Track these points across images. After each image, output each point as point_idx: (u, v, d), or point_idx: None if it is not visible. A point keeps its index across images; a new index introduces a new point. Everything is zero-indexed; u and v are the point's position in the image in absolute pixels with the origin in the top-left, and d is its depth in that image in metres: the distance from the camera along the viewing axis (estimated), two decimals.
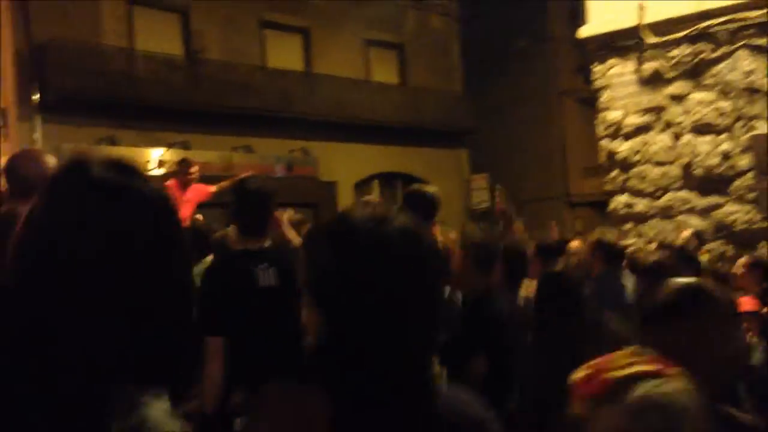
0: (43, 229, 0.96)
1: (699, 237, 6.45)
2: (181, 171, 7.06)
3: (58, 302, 0.92)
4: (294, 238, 3.48)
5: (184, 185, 6.85)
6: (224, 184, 7.21)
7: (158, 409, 0.95)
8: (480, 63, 20.37)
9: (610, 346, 1.55)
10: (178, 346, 1.03)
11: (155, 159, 14.04)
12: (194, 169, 7.03)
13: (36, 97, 12.90)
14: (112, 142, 13.70)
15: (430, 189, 3.93)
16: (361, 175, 17.73)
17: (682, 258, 4.12)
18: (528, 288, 4.12)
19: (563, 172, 20.90)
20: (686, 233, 6.47)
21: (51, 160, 2.86)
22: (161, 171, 13.48)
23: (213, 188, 7.27)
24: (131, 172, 1.00)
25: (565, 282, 3.36)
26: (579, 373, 1.42)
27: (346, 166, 17.00)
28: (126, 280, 0.94)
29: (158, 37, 14.78)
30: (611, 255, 4.76)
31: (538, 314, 3.43)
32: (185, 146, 14.38)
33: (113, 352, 0.93)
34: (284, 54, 17.05)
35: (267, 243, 3.14)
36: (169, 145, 14.18)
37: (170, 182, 6.76)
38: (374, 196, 17.75)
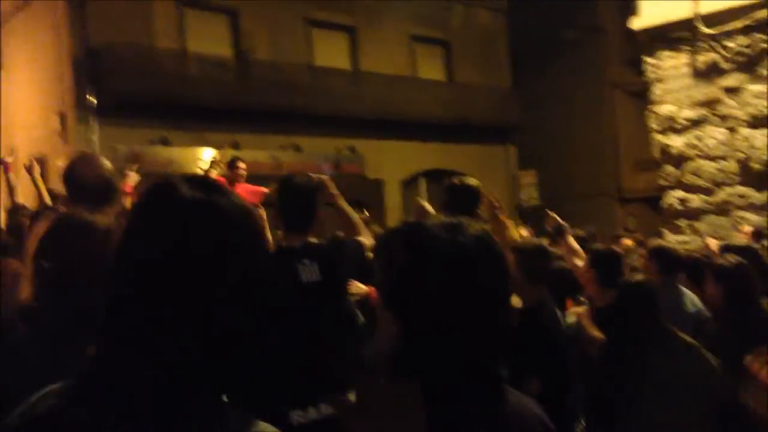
0: (138, 247, 1.01)
1: (758, 234, 6.25)
2: (229, 169, 7.17)
3: (157, 312, 0.97)
4: (367, 239, 3.41)
5: (232, 183, 6.94)
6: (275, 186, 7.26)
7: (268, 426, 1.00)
8: (527, 57, 20.15)
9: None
10: (250, 355, 1.06)
11: (206, 159, 14.31)
12: (242, 165, 7.14)
13: (93, 100, 13.26)
14: (165, 142, 14.03)
15: (472, 182, 3.83)
16: (407, 172, 17.75)
17: (750, 258, 3.86)
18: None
19: (614, 167, 20.52)
20: (746, 230, 6.28)
21: (107, 165, 2.95)
22: (213, 171, 13.74)
23: (266, 189, 7.34)
24: (215, 188, 1.05)
25: (647, 292, 3.24)
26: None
27: (392, 164, 17.04)
28: (215, 290, 0.99)
29: (209, 39, 15.05)
30: (670, 265, 4.43)
31: (616, 324, 3.33)
32: (235, 146, 14.61)
33: (206, 361, 0.98)
34: (331, 52, 17.15)
35: (311, 238, 3.13)
36: (219, 145, 14.43)
37: (218, 178, 6.86)
38: (421, 193, 17.78)
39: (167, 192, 1.03)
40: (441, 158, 18.43)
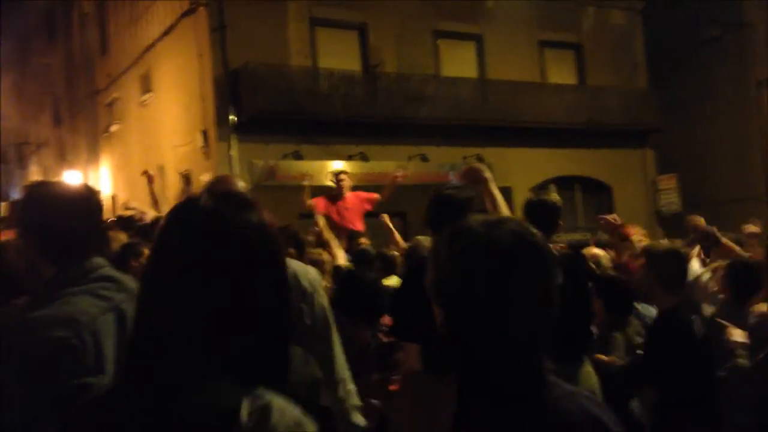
0: (164, 251, 1.15)
1: None
2: (333, 181, 7.45)
3: (177, 312, 1.09)
4: None
5: (336, 195, 7.15)
6: (387, 190, 7.41)
7: (280, 397, 1.08)
8: (665, 56, 19.16)
9: None
10: (276, 353, 1.16)
11: (336, 171, 14.75)
12: (342, 176, 7.35)
13: (232, 118, 14.06)
14: (297, 156, 14.61)
15: (551, 197, 3.74)
16: (536, 179, 17.34)
17: None
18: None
19: (764, 169, 19.00)
20: None
21: (241, 185, 3.13)
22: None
23: (376, 195, 7.48)
24: (238, 202, 1.15)
25: None
26: None
27: (521, 172, 16.74)
28: (229, 292, 1.09)
29: (338, 55, 15.55)
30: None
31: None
32: (363, 157, 14.98)
33: (232, 354, 1.09)
34: (458, 62, 17.17)
35: None
36: (349, 158, 14.85)
37: (318, 203, 7.03)
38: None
39: (189, 207, 1.15)
40: (572, 164, 17.89)
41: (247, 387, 1.07)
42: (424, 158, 16.20)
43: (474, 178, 3.42)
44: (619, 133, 18.14)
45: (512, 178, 16.68)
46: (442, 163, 16.44)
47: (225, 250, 1.09)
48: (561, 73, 18.58)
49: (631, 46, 19.56)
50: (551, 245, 3.50)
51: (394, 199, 7.81)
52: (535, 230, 1.32)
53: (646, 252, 3.52)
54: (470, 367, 1.26)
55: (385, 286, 3.98)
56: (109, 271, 2.04)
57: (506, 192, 16.88)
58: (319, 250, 5.23)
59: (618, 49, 19.15)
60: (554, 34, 18.40)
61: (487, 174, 3.47)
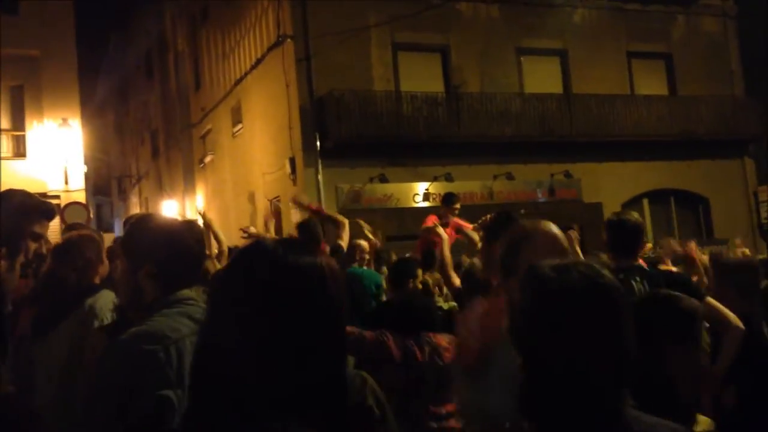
0: (229, 287, 1.23)
1: None
2: (445, 205, 7.30)
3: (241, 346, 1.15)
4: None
5: (445, 219, 7.02)
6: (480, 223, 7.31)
7: None
8: (763, 62, 18.24)
9: None
10: (334, 389, 1.20)
11: (422, 192, 14.82)
12: (457, 205, 7.22)
13: (318, 144, 14.39)
14: (383, 179, 14.77)
15: (632, 216, 3.66)
16: (628, 194, 16.83)
17: None
18: None
19: None
20: None
21: None
22: (426, 204, 14.18)
23: (470, 226, 7.38)
24: (298, 248, 1.23)
25: None
26: None
27: (611, 186, 16.29)
28: (292, 329, 1.15)
29: (421, 77, 15.68)
30: None
31: None
32: (448, 178, 14.97)
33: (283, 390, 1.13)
34: (542, 78, 16.96)
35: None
36: (434, 179, 14.88)
37: (430, 217, 6.95)
38: (643, 216, 16.73)
39: (256, 249, 1.25)
40: (665, 177, 17.26)
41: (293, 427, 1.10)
42: (510, 177, 16.04)
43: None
44: (714, 143, 17.37)
45: (603, 193, 16.26)
46: (529, 180, 16.22)
47: (281, 290, 1.16)
48: (650, 84, 18.03)
49: (724, 53, 18.79)
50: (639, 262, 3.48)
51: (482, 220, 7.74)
52: (605, 271, 1.33)
53: (719, 263, 3.73)
54: (553, 412, 1.26)
55: None
56: (201, 300, 2.16)
57: (596, 208, 16.55)
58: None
59: (711, 57, 18.43)
60: (642, 45, 17.91)
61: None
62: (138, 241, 2.21)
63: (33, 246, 2.49)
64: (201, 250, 2.24)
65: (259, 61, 16.44)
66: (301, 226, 5.19)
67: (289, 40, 14.88)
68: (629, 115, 16.59)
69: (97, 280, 3.24)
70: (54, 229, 4.93)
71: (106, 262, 3.34)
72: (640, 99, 17.38)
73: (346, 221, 5.74)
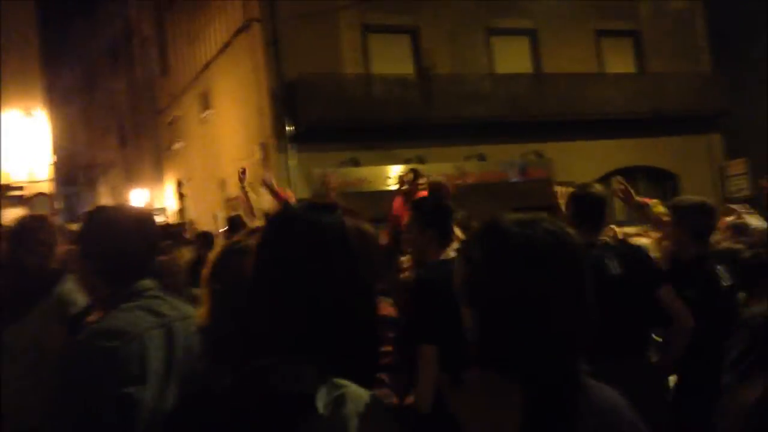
0: (265, 250, 1.27)
1: None
2: (409, 182, 7.26)
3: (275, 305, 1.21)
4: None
5: (412, 194, 6.98)
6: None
7: (355, 386, 1.14)
8: (729, 38, 18.46)
9: None
10: (363, 344, 1.23)
11: (394, 175, 14.77)
12: (422, 180, 7.20)
13: (289, 129, 14.26)
14: (355, 163, 14.70)
15: (596, 189, 3.60)
16: (599, 172, 16.93)
17: None
18: None
19: None
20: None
21: None
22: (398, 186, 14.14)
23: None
24: (322, 209, 1.27)
25: None
26: None
27: (583, 165, 16.39)
28: (316, 285, 1.19)
29: (391, 60, 15.59)
30: None
31: None
32: (421, 160, 14.94)
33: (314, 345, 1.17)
34: (512, 58, 16.97)
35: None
36: (406, 161, 14.84)
37: (398, 199, 6.92)
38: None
39: (287, 216, 1.29)
40: (635, 155, 17.43)
41: (327, 375, 1.13)
42: (482, 158, 16.06)
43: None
44: (682, 119, 17.57)
45: (575, 172, 16.34)
46: (501, 161, 16.26)
47: (311, 247, 1.20)
48: (619, 62, 18.14)
49: (692, 30, 18.94)
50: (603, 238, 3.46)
51: (454, 200, 7.75)
52: (569, 228, 1.29)
53: (673, 206, 3.72)
54: (505, 371, 1.24)
55: None
56: (160, 292, 2.14)
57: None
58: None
59: (678, 33, 18.58)
60: (611, 23, 17.98)
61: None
62: (85, 236, 2.18)
63: None
64: (148, 245, 2.17)
65: (226, 46, 16.20)
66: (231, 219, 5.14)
67: (256, 23, 14.67)
68: (599, 93, 16.67)
69: (55, 264, 3.18)
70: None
71: (64, 245, 3.28)
72: (609, 77, 17.49)
73: None
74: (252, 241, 1.96)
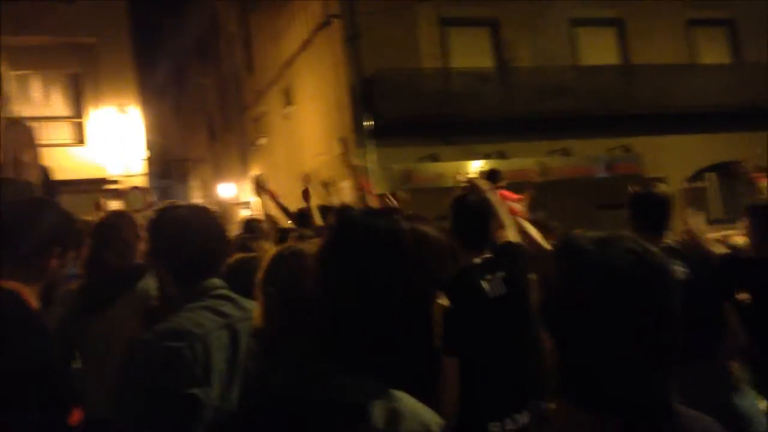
0: (323, 257, 1.28)
1: None
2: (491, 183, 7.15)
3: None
4: (512, 233, 3.40)
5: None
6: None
7: (410, 398, 1.12)
8: None
9: None
10: (418, 353, 1.22)
11: (474, 171, 14.59)
12: (503, 183, 7.05)
13: (368, 124, 14.31)
14: (434, 158, 14.60)
15: (659, 191, 3.39)
16: (692, 168, 16.22)
17: None
18: None
19: None
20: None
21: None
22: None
23: (516, 201, 7.24)
24: (379, 214, 1.29)
25: None
26: None
27: (674, 160, 15.70)
28: (369, 291, 1.17)
29: (471, 53, 15.39)
30: None
31: None
32: (502, 155, 14.70)
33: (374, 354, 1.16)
34: (597, 50, 16.43)
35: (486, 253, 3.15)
36: (486, 156, 14.62)
37: None
38: (711, 190, 16.16)
39: (343, 222, 1.29)
40: (731, 149, 16.47)
41: (381, 386, 1.12)
42: (565, 153, 15.63)
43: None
44: None
45: (665, 168, 15.71)
46: (586, 156, 15.78)
47: (365, 253, 1.21)
48: (713, 52, 17.25)
49: None
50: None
51: (537, 196, 7.62)
52: (653, 248, 1.19)
53: (751, 207, 3.56)
54: (590, 403, 1.15)
55: None
56: (227, 291, 2.15)
57: (658, 183, 15.92)
58: None
59: None
60: (703, 11, 17.10)
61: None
62: (155, 234, 2.22)
63: None
64: (215, 244, 2.21)
65: (307, 42, 16.41)
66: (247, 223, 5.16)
67: (336, 20, 14.78)
68: (691, 85, 15.89)
69: (137, 259, 3.27)
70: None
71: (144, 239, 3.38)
72: (701, 68, 16.64)
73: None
74: (305, 246, 1.96)
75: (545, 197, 8.35)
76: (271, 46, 19.23)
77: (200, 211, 2.31)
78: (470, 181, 3.71)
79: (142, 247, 3.33)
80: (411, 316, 1.18)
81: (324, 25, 15.29)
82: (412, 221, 1.23)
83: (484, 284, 3.00)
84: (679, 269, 3.07)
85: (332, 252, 1.24)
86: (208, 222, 2.22)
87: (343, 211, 1.34)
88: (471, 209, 3.18)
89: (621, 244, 1.16)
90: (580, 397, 1.15)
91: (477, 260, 3.09)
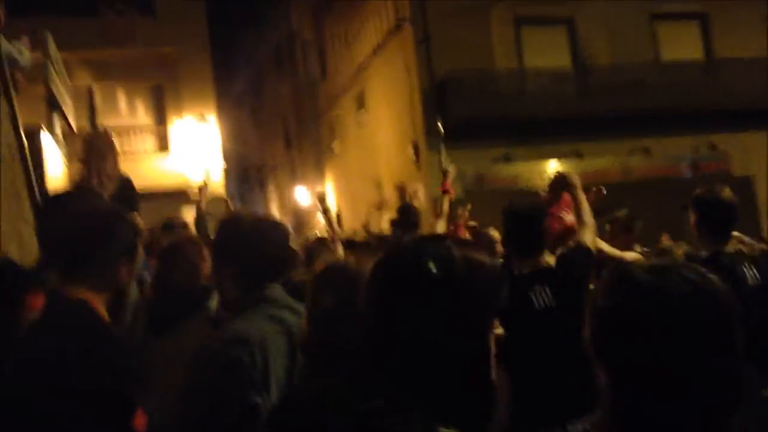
0: (371, 286, 1.22)
1: None
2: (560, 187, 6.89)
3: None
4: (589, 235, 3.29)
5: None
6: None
7: None
8: None
9: None
10: (475, 392, 1.14)
11: (548, 172, 14.29)
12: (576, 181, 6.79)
13: (440, 127, 14.24)
14: (508, 159, 14.37)
15: (725, 193, 3.19)
16: None
17: None
18: None
19: None
20: None
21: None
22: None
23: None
24: (428, 241, 1.22)
25: None
26: None
27: (763, 158, 14.92)
28: (417, 321, 1.11)
29: (546, 52, 15.10)
30: None
31: None
32: (577, 155, 14.33)
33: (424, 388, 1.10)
34: (679, 45, 15.83)
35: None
36: (562, 156, 14.29)
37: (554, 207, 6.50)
38: None
39: (392, 252, 1.23)
40: None
41: (433, 423, 1.07)
42: (647, 152, 15.10)
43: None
44: None
45: (753, 166, 14.98)
46: (669, 155, 15.21)
47: (413, 283, 1.13)
48: None
49: None
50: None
51: (617, 198, 7.32)
52: (711, 276, 1.12)
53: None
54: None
55: None
56: (287, 298, 2.18)
57: (747, 182, 15.27)
58: None
59: None
60: None
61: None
62: (222, 242, 2.26)
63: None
64: (280, 252, 2.24)
65: (379, 47, 16.50)
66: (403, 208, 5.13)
67: (407, 23, 14.80)
68: None
69: (204, 280, 3.34)
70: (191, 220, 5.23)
71: (209, 261, 3.45)
72: None
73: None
74: (352, 259, 1.97)
75: (627, 198, 8.06)
76: (345, 51, 19.45)
77: (265, 219, 2.38)
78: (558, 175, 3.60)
79: (207, 268, 3.43)
80: (465, 348, 1.12)
81: (396, 28, 15.33)
82: (464, 248, 1.17)
83: (532, 295, 2.95)
84: (750, 274, 2.95)
85: (379, 283, 1.19)
86: (273, 230, 2.26)
87: (392, 240, 1.29)
88: (521, 216, 3.14)
89: (678, 273, 1.10)
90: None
91: (527, 270, 3.04)
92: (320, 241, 5.39)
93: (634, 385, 1.09)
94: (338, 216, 18.49)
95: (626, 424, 1.10)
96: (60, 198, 2.94)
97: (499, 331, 2.86)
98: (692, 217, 3.21)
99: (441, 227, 5.28)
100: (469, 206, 6.55)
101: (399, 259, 1.18)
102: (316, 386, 1.61)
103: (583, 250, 3.11)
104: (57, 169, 5.22)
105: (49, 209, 2.58)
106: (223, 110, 18.99)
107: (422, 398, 1.08)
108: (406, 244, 1.21)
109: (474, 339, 1.13)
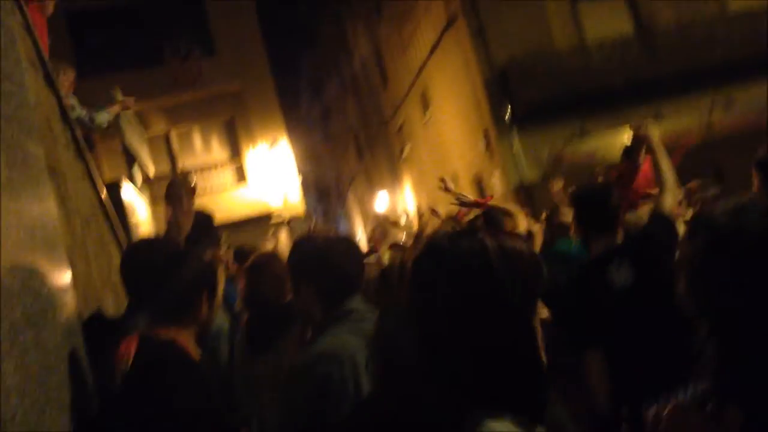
0: (412, 284, 1.24)
1: None
2: (638, 151, 6.53)
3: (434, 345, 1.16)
4: (670, 198, 3.28)
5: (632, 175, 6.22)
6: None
7: (504, 424, 1.09)
8: None
9: None
10: (526, 378, 1.13)
11: (625, 140, 13.84)
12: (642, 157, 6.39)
13: (508, 114, 14.06)
14: (583, 134, 14.00)
15: None
16: None
17: None
18: None
19: None
20: None
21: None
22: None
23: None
24: (461, 235, 1.22)
25: None
26: None
27: None
28: (459, 315, 1.12)
29: (606, 23, 14.64)
30: None
31: None
32: (657, 116, 13.78)
33: (468, 383, 1.12)
34: None
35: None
36: (639, 121, 13.77)
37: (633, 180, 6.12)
38: None
39: (426, 248, 1.23)
40: None
41: (483, 415, 1.08)
42: (729, 103, 14.36)
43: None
44: None
45: None
46: (753, 104, 14.41)
47: (451, 277, 1.14)
48: None
49: None
50: None
51: (704, 157, 7.01)
52: None
53: None
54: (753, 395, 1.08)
55: None
56: (366, 310, 2.23)
57: None
58: None
59: None
60: None
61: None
62: (300, 261, 2.33)
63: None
64: (357, 268, 2.32)
65: (435, 46, 16.47)
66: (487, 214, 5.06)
67: (460, 18, 14.71)
68: None
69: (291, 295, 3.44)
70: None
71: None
72: None
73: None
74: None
75: (710, 157, 7.70)
76: (402, 56, 19.51)
77: (338, 237, 2.47)
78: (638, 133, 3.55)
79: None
80: (510, 336, 1.12)
81: (449, 25, 15.27)
82: (499, 236, 1.17)
83: (609, 275, 2.91)
84: None
85: (417, 281, 1.20)
86: (345, 246, 2.35)
87: (429, 237, 1.29)
88: (590, 196, 3.14)
89: (754, 211, 1.09)
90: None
91: (602, 250, 3.00)
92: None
93: (738, 337, 1.07)
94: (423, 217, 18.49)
95: (733, 390, 1.09)
96: (139, 245, 3.11)
97: (544, 314, 2.84)
98: (757, 177, 3.02)
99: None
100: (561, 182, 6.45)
101: (433, 255, 1.19)
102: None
103: (662, 220, 3.02)
104: (141, 216, 5.49)
105: (130, 257, 2.74)
106: (293, 132, 19.37)
107: (471, 390, 1.09)
108: (441, 241, 1.22)
109: (518, 325, 1.13)
